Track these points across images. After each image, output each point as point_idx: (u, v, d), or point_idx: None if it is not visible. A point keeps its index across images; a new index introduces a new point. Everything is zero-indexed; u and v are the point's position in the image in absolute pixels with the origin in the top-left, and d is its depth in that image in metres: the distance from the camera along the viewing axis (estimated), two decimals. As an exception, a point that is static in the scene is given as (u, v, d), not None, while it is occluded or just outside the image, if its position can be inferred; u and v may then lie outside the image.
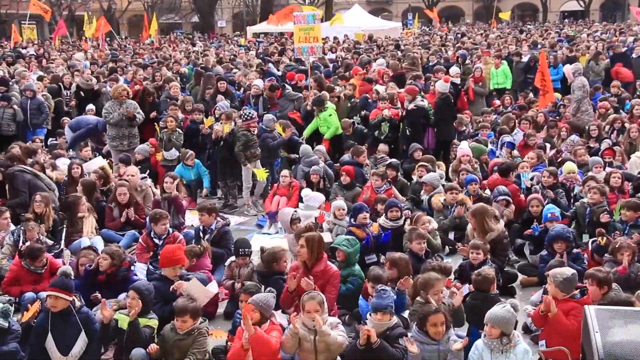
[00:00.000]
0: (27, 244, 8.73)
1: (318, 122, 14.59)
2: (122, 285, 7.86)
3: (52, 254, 8.90)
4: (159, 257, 8.22)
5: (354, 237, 8.63)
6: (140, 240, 9.68)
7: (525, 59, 20.75)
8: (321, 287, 7.44)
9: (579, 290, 6.75)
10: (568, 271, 6.85)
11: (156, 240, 9.40)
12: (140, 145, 13.69)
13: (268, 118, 13.46)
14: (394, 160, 12.67)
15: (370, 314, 6.62)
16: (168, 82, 16.82)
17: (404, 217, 9.80)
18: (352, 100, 15.94)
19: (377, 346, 6.29)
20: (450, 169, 12.90)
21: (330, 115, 14.45)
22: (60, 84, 17.98)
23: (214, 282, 8.23)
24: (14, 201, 10.67)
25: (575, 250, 8.71)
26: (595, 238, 8.87)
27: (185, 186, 12.06)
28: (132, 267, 8.44)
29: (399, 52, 24.99)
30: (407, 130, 13.80)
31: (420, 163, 12.06)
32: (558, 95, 18.02)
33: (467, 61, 20.78)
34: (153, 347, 6.83)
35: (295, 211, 10.24)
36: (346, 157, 13.31)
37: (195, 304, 6.99)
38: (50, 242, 9.27)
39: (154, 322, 7.06)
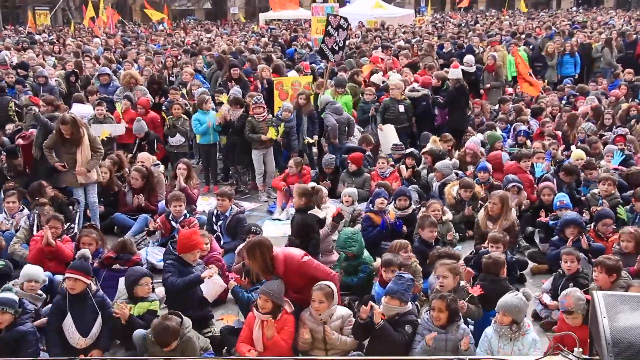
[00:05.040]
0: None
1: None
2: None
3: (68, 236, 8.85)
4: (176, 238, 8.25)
5: (353, 229, 8.63)
6: (158, 221, 9.76)
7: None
8: (301, 280, 6.87)
9: None
10: None
11: (173, 223, 9.57)
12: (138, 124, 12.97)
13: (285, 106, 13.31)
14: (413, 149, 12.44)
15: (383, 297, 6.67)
16: (182, 68, 16.70)
17: (412, 206, 9.82)
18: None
19: (379, 326, 6.36)
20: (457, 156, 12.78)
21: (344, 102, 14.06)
22: (77, 70, 17.95)
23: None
24: None
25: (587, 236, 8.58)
26: None
27: None
28: (144, 262, 8.70)
29: (413, 40, 24.86)
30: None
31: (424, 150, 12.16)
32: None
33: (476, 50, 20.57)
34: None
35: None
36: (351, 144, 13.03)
37: (174, 324, 6.43)
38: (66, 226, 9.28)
39: (155, 304, 7.23)
